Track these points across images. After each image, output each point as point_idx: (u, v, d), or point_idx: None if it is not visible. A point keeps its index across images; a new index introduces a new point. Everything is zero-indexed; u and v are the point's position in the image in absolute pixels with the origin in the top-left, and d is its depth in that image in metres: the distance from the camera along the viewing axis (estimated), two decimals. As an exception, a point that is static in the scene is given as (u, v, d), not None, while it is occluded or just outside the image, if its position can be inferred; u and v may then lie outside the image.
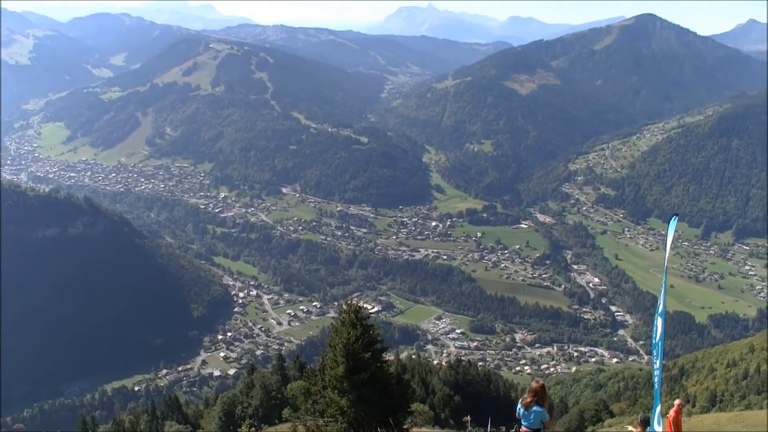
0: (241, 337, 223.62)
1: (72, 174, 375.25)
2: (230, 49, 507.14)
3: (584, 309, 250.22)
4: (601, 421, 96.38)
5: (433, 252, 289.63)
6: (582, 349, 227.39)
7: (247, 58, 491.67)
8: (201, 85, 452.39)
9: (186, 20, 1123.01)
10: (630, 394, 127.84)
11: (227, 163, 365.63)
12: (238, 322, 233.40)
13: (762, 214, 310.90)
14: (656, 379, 16.19)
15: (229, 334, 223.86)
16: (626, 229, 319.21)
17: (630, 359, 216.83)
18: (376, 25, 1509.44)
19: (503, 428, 35.96)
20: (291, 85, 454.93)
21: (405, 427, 30.64)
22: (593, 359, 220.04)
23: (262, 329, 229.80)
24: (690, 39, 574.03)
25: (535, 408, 11.48)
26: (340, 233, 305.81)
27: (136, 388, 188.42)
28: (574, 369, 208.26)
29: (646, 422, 13.53)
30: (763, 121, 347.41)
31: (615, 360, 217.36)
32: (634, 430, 11.50)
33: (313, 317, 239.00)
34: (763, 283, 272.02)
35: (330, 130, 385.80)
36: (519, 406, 11.66)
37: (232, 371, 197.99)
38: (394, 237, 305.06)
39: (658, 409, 14.70)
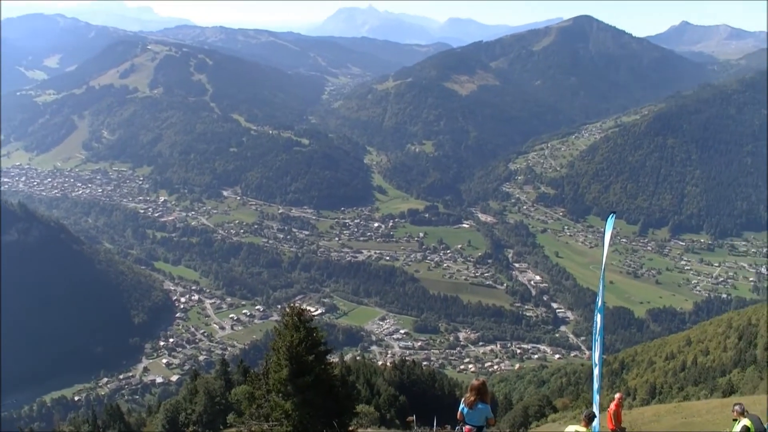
0: (184, 342, 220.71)
1: (5, 179, 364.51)
2: (168, 50, 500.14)
3: (526, 306, 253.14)
4: (544, 416, 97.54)
5: (375, 253, 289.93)
6: (525, 346, 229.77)
7: (185, 59, 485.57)
8: (139, 88, 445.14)
9: (123, 21, 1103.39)
10: (572, 390, 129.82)
11: (167, 167, 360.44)
12: (180, 327, 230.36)
13: (696, 211, 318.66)
14: (596, 371, 16.50)
15: (171, 340, 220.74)
16: (566, 227, 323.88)
17: (572, 355, 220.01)
18: (316, 27, 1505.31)
19: (448, 427, 36.14)
20: (231, 87, 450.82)
21: (350, 428, 30.54)
22: (536, 356, 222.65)
23: (205, 334, 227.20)
24: (626, 40, 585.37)
25: (480, 406, 11.44)
26: (282, 236, 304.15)
27: (76, 398, 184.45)
28: (517, 366, 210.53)
29: (591, 419, 13.58)
30: (697, 120, 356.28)
31: (557, 356, 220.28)
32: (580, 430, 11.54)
33: (256, 321, 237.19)
34: (699, 278, 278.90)
35: (271, 132, 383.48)
36: (462, 405, 11.59)
37: (175, 378, 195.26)
38: (337, 239, 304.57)
39: (597, 398, 14.92)
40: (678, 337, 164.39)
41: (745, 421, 14.05)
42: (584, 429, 12.83)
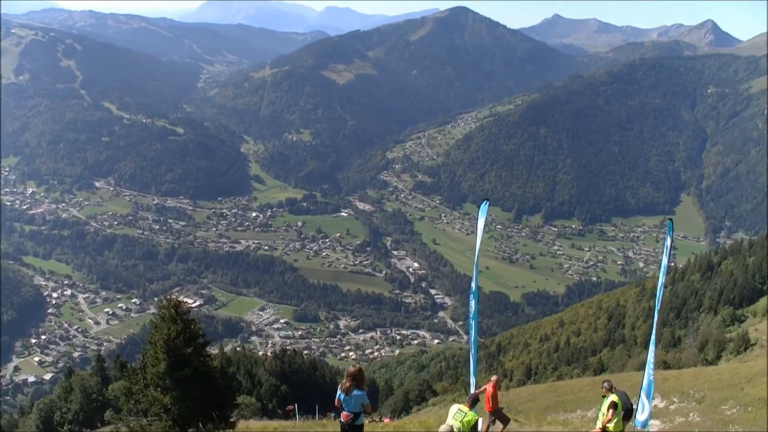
0: (57, 339, 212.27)
1: None
2: (34, 35, 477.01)
3: (405, 293, 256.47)
4: (425, 400, 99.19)
5: (254, 243, 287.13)
6: (404, 332, 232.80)
7: (53, 44, 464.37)
8: (2, 74, 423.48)
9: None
10: (451, 373, 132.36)
11: (34, 157, 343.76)
12: (53, 323, 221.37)
13: (567, 198, 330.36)
14: (472, 351, 16.99)
15: (43, 337, 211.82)
16: (443, 215, 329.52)
17: (450, 339, 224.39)
18: (190, 13, 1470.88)
19: (330, 415, 36.23)
20: (101, 74, 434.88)
21: (232, 420, 30.13)
22: (416, 341, 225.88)
23: (79, 330, 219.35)
24: (500, 32, 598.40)
25: (355, 392, 11.43)
26: (157, 227, 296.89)
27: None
28: (397, 352, 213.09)
29: (474, 401, 13.89)
30: (568, 110, 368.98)
31: (436, 341, 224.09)
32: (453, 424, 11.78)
33: (132, 315, 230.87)
34: (570, 262, 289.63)
35: (144, 120, 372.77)
36: (339, 391, 11.59)
37: (48, 376, 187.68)
38: (214, 229, 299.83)
39: (474, 380, 15.28)
40: (551, 319, 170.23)
41: (613, 397, 14.65)
42: (467, 409, 13.08)
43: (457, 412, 12.94)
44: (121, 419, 32.58)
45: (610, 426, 14.56)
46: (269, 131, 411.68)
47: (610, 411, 14.45)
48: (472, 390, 15.46)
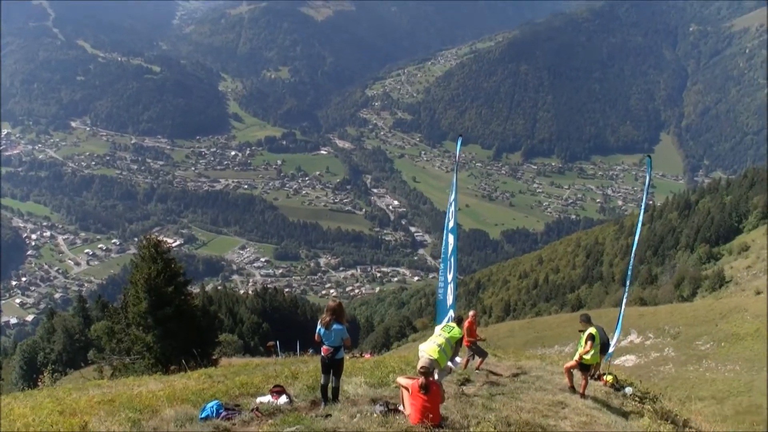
0: (38, 281, 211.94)
1: None
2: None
3: (385, 231, 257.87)
4: (405, 336, 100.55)
5: (233, 182, 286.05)
6: (385, 269, 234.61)
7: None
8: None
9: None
10: (431, 310, 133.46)
11: (8, 98, 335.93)
12: (33, 265, 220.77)
13: (548, 135, 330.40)
14: (440, 291, 17.18)
15: (23, 279, 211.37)
16: (423, 153, 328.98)
17: (430, 276, 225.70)
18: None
19: (310, 351, 36.60)
20: (74, 12, 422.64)
21: (214, 357, 30.41)
22: (396, 279, 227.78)
23: (60, 271, 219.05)
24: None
25: (335, 326, 11.45)
26: (136, 167, 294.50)
27: None
28: (378, 289, 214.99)
29: (459, 321, 14.42)
30: (549, 47, 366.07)
31: (416, 278, 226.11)
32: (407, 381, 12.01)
33: (113, 255, 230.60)
34: (550, 200, 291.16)
35: (120, 59, 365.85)
36: (319, 326, 11.63)
37: (30, 317, 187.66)
38: (193, 168, 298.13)
39: (445, 321, 15.43)
40: (531, 256, 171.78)
41: (591, 329, 14.87)
42: (454, 324, 13.39)
43: (444, 326, 13.19)
44: (104, 358, 32.81)
45: (587, 357, 14.80)
46: (247, 69, 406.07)
47: (588, 343, 14.66)
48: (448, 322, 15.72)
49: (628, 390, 16.89)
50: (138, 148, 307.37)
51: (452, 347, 12.81)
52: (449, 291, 17.05)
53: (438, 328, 13.33)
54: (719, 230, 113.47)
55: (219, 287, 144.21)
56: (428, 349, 12.39)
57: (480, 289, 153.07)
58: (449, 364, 13.76)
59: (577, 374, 15.40)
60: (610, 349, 17.54)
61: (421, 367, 10.46)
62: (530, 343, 56.17)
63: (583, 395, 14.72)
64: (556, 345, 53.22)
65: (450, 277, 17.33)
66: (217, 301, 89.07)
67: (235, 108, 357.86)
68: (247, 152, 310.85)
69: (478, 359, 17.92)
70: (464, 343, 17.32)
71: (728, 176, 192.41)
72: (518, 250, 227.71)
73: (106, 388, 18.06)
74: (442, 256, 18.33)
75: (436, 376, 11.38)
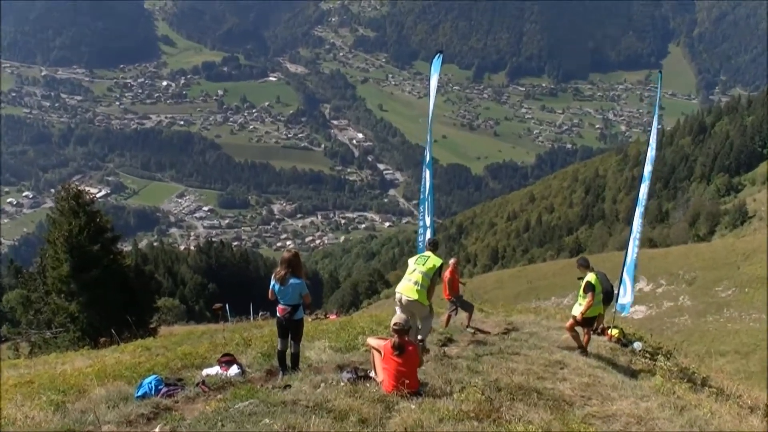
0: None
1: None
2: None
3: (349, 170, 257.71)
4: (377, 293, 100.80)
5: (167, 117, 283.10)
6: (350, 215, 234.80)
7: None
8: None
9: None
10: (406, 260, 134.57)
11: None
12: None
13: (537, 51, 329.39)
14: (420, 239, 17.16)
15: None
16: (390, 76, 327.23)
17: (404, 221, 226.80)
18: None
19: (267, 314, 36.64)
20: None
21: (152, 326, 30.35)
22: (363, 225, 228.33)
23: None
24: None
25: (291, 281, 11.35)
26: (48, 104, 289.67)
27: None
28: (342, 238, 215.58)
29: (434, 244, 14.33)
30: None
31: (387, 224, 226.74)
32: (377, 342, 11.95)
33: (25, 211, 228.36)
34: (541, 127, 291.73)
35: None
36: (273, 281, 11.54)
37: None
38: (118, 103, 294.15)
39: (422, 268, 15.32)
40: (520, 194, 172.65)
41: (589, 276, 14.74)
42: (429, 253, 13.41)
43: (417, 258, 13.13)
44: (20, 333, 32.57)
45: (587, 311, 14.79)
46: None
47: (588, 294, 14.60)
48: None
49: (637, 345, 17.04)
50: (50, 82, 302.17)
51: (432, 280, 12.85)
52: (420, 239, 17.17)
53: (411, 261, 13.27)
54: (740, 157, 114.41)
55: (155, 243, 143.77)
56: (404, 288, 12.54)
57: (462, 234, 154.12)
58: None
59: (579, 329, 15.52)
60: (625, 299, 17.50)
61: (395, 324, 10.38)
62: (522, 296, 56.74)
63: (584, 352, 14.85)
64: (553, 296, 53.87)
65: (428, 221, 17.36)
66: (153, 260, 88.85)
67: (165, 29, 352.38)
68: (182, 82, 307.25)
69: (463, 315, 18.02)
70: (444, 296, 17.45)
71: (749, 93, 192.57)
72: (505, 188, 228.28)
73: (23, 368, 18.00)
74: (420, 196, 18.39)
75: (413, 335, 11.46)
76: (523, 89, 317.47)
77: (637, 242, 17.98)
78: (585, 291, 14.59)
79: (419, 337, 12.54)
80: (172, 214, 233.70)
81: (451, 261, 18.08)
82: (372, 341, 11.07)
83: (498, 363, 13.00)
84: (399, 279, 13.34)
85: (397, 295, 12.52)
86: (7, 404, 11.15)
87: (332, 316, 33.07)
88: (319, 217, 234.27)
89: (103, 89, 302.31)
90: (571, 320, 15.12)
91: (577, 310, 14.65)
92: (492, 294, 57.56)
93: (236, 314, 39.78)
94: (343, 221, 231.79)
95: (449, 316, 17.95)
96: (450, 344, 15.60)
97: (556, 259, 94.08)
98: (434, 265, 12.86)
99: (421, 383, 10.66)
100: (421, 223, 17.69)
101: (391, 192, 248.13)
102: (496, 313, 21.64)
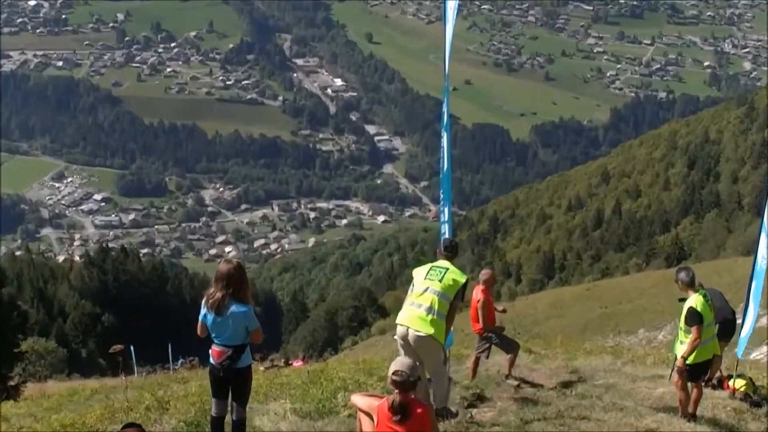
0: None
1: None
2: None
3: (322, 135, 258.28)
4: (366, 325, 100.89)
5: (36, 56, 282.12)
6: (323, 205, 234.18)
7: None
8: None
9: None
10: (411, 273, 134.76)
11: None
12: None
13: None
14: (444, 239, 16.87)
15: None
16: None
17: (407, 214, 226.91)
18: None
19: (195, 359, 36.47)
20: None
21: (12, 383, 30.23)
22: (344, 221, 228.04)
23: None
24: None
25: (233, 308, 10.94)
26: None
27: None
28: (312, 241, 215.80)
29: (453, 248, 14.07)
30: None
31: (381, 218, 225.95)
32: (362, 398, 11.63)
33: None
34: (618, 66, 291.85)
35: None
36: (203, 309, 11.17)
37: None
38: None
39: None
40: (587, 170, 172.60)
41: (694, 299, 14.24)
42: (447, 264, 12.98)
43: (429, 271, 12.67)
44: None
45: (691, 354, 14.32)
46: None
47: (694, 329, 14.13)
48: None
49: (777, 405, 16.74)
50: None
51: (452, 305, 12.46)
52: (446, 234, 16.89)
53: (420, 275, 12.81)
54: None
55: (18, 252, 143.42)
56: (410, 318, 12.06)
57: (497, 232, 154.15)
58: (446, 348, 13.45)
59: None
60: (744, 332, 17.07)
61: (395, 374, 10.01)
62: (593, 327, 56.66)
63: (692, 417, 14.59)
64: (641, 329, 53.61)
65: (446, 213, 17.09)
66: (16, 279, 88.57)
67: None
68: (59, 1, 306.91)
69: (502, 358, 17.73)
70: (474, 330, 17.11)
71: None
72: (563, 159, 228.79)
73: None
74: (441, 176, 17.71)
75: (423, 391, 11.12)
76: (591, 8, 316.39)
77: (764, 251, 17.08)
78: (688, 322, 14.09)
79: (433, 404, 12.12)
80: (45, 205, 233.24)
81: (483, 275, 17.68)
82: (359, 400, 10.71)
83: (555, 435, 12.84)
84: (400, 304, 13.02)
85: (399, 329, 12.10)
86: None
87: (297, 363, 32.89)
88: (276, 208, 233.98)
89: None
90: (678, 366, 14.73)
91: (680, 351, 14.22)
92: (546, 325, 57.62)
93: (146, 361, 39.64)
94: (312, 215, 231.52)
95: (477, 360, 17.59)
96: (480, 404, 15.33)
97: (644, 269, 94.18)
98: (456, 281, 12.42)
99: (436, 469, 10.49)
100: (442, 217, 17.32)
101: (387, 169, 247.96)
102: (553, 355, 21.43)
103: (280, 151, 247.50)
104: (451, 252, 13.07)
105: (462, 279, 11.97)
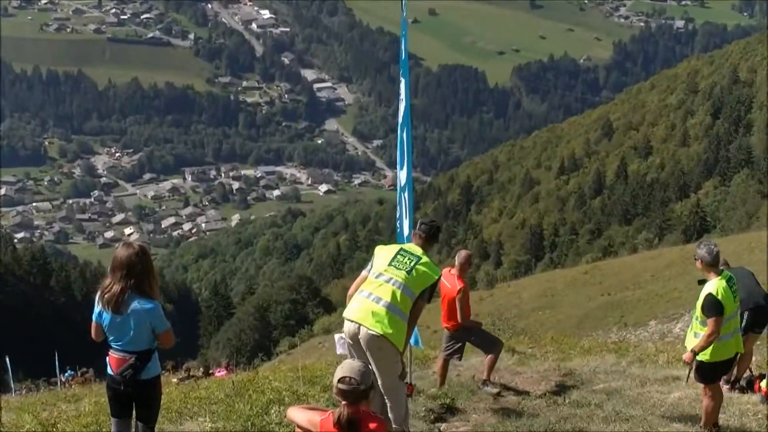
0: None
1: None
2: None
3: (246, 83, 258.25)
4: (306, 323, 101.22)
5: None
6: (250, 172, 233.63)
7: None
8: None
9: None
10: (364, 258, 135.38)
11: None
12: None
13: None
14: (399, 213, 16.99)
15: None
16: None
17: (356, 182, 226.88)
18: None
19: (88, 371, 36.53)
20: None
21: None
22: (276, 192, 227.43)
23: None
24: None
25: (135, 304, 10.93)
26: None
27: None
28: (236, 218, 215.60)
29: (432, 233, 13.77)
30: None
31: (324, 187, 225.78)
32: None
33: None
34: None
35: None
36: (98, 306, 11.17)
37: None
38: None
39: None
40: (583, 121, 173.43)
41: (714, 284, 14.19)
42: (417, 250, 12.85)
43: (397, 254, 12.53)
44: None
45: (705, 351, 14.25)
46: None
47: (711, 321, 14.04)
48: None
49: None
50: None
51: (417, 302, 12.39)
52: (405, 210, 16.99)
53: (381, 258, 12.65)
54: None
55: None
56: (360, 312, 11.94)
57: (471, 202, 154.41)
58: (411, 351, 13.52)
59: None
60: None
61: (342, 381, 9.87)
62: (592, 319, 57.01)
63: (713, 427, 14.70)
64: (652, 320, 53.93)
65: (403, 177, 17.25)
66: None
67: None
68: None
69: (481, 358, 17.82)
70: (444, 325, 17.20)
71: None
72: (554, 109, 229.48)
73: None
74: (399, 132, 17.81)
75: (378, 402, 11.12)
76: None
77: None
78: (705, 312, 14.03)
79: (393, 424, 12.03)
80: None
81: (460, 256, 17.61)
82: (297, 415, 10.45)
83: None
84: (348, 292, 12.85)
85: (348, 326, 11.96)
86: None
87: (220, 372, 32.84)
88: (189, 178, 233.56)
89: None
90: (685, 361, 14.79)
91: (691, 343, 14.18)
92: (533, 318, 58.06)
93: (25, 375, 39.69)
94: (236, 186, 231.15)
95: (446, 363, 17.64)
96: (451, 417, 15.41)
97: (657, 246, 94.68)
98: (427, 276, 12.21)
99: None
100: (400, 185, 17.38)
101: (331, 125, 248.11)
102: (542, 355, 21.53)
103: (193, 105, 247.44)
104: (430, 238, 12.81)
105: (435, 275, 11.60)
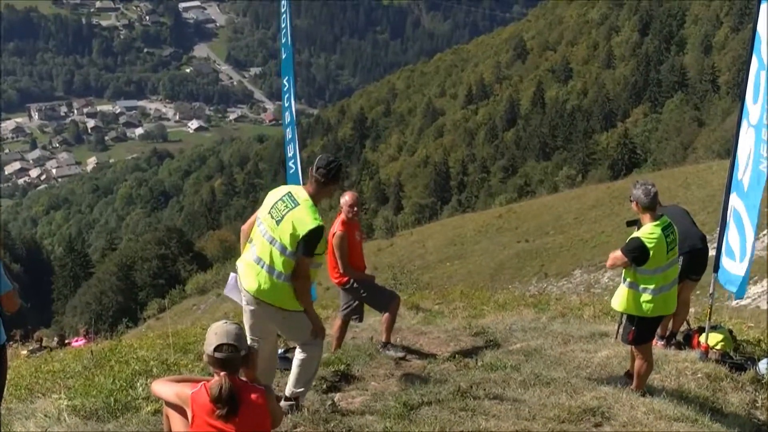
0: None
1: None
2: None
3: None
4: (178, 283, 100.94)
5: None
6: (107, 108, 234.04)
7: None
8: None
9: None
10: (251, 205, 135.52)
11: None
12: None
13: None
14: (289, 147, 17.08)
15: None
16: None
17: (233, 115, 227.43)
18: None
19: None
20: None
21: None
22: (138, 130, 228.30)
23: None
24: None
25: None
26: None
27: None
28: (93, 161, 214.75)
29: (335, 174, 13.76)
30: None
31: (194, 124, 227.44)
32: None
33: None
34: None
35: None
36: None
37: None
38: None
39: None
40: (494, 42, 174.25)
41: (646, 229, 14.32)
42: (303, 193, 12.87)
43: (279, 202, 12.52)
44: None
45: (620, 301, 14.42)
46: None
47: (631, 269, 14.21)
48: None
49: (764, 367, 17.11)
50: None
51: (299, 256, 12.41)
52: (294, 139, 17.06)
53: (269, 201, 12.68)
54: None
55: None
56: (246, 275, 12.01)
57: (365, 137, 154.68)
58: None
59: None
60: (738, 267, 17.06)
61: (219, 348, 9.74)
62: (508, 270, 57.32)
63: (638, 388, 14.82)
64: (577, 269, 54.41)
65: (289, 112, 17.37)
66: None
67: None
68: None
69: (379, 318, 17.92)
70: (332, 278, 17.28)
71: None
72: (459, 28, 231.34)
73: None
74: (281, 58, 17.97)
75: (261, 367, 11.04)
76: None
77: (765, 142, 16.47)
78: (624, 249, 14.24)
79: (291, 388, 12.00)
80: None
81: (345, 199, 17.68)
82: (164, 389, 10.23)
83: (454, 424, 12.99)
84: (227, 250, 12.90)
85: (243, 292, 12.00)
86: None
87: (78, 342, 32.46)
88: (36, 116, 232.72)
89: None
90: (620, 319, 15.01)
91: (620, 295, 14.37)
92: (440, 270, 58.39)
93: None
94: (91, 123, 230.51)
95: (344, 324, 17.81)
96: (347, 386, 15.51)
97: (581, 184, 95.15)
98: (297, 226, 12.18)
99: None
100: (285, 119, 17.51)
101: (201, 51, 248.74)
102: (450, 311, 21.65)
103: (38, 30, 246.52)
104: (327, 178, 12.63)
105: (310, 224, 11.39)
